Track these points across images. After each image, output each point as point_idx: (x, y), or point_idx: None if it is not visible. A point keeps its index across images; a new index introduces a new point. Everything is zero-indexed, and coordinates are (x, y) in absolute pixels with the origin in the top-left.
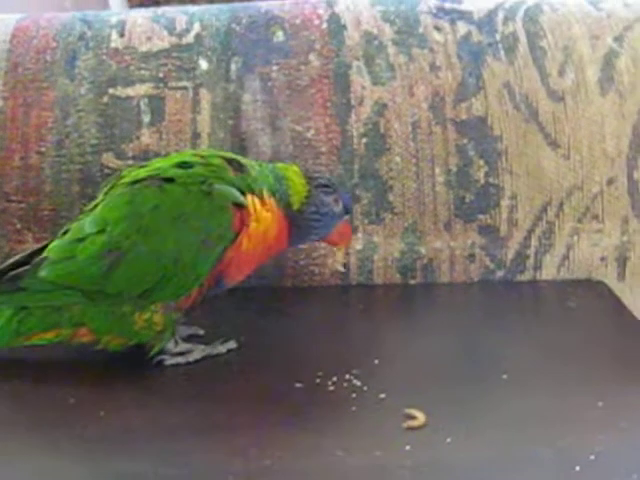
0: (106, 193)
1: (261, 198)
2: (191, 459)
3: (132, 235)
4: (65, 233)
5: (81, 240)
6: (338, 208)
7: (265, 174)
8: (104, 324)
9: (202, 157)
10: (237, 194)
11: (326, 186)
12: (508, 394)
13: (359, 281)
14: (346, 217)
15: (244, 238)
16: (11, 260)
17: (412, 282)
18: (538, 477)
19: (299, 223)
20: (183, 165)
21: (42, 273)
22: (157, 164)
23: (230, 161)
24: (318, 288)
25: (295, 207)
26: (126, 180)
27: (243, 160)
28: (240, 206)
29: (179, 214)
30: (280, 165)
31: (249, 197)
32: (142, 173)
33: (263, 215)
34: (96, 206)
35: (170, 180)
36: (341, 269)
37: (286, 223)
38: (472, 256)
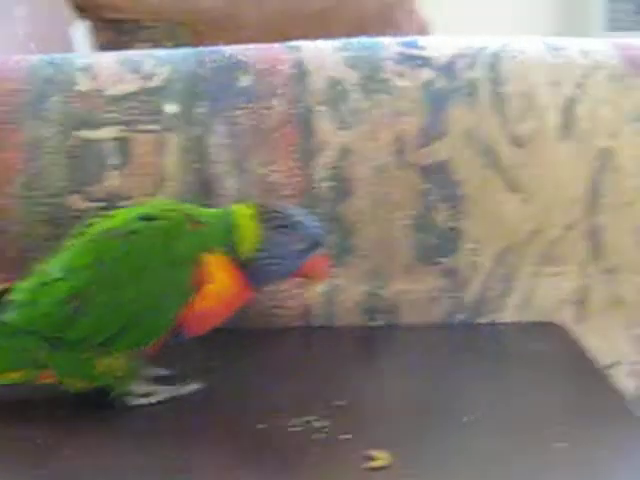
0: (75, 238)
1: (214, 256)
2: None
3: (94, 284)
4: (31, 275)
5: (45, 284)
6: (301, 245)
7: (217, 226)
8: (66, 367)
9: (162, 210)
10: (195, 252)
11: (283, 226)
12: (469, 435)
13: (321, 323)
14: (317, 251)
15: (198, 298)
16: None
17: (374, 324)
18: None
19: (254, 271)
20: (146, 217)
21: (5, 317)
22: (123, 215)
23: (188, 215)
24: (281, 330)
25: (245, 257)
26: (93, 229)
27: (199, 214)
28: (198, 264)
29: (141, 267)
30: (235, 209)
31: (206, 256)
32: (108, 224)
33: (218, 276)
34: (62, 250)
35: (134, 233)
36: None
37: (241, 275)
38: (434, 299)
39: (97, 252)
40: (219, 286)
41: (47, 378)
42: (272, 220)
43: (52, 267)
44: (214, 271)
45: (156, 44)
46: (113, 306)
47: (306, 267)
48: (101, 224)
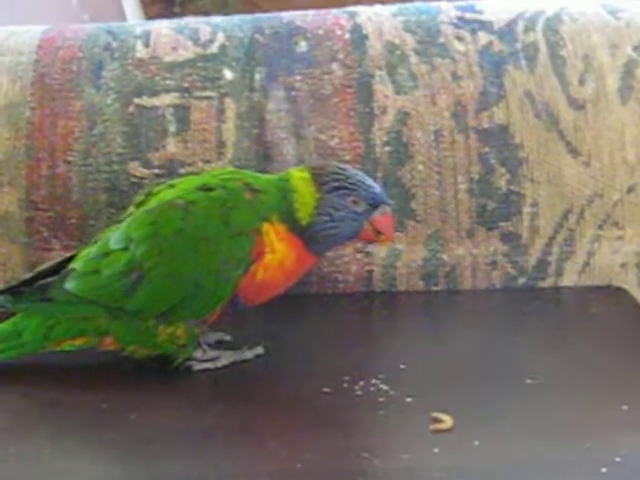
0: (137, 206)
1: (273, 225)
2: (223, 461)
3: (154, 256)
4: (95, 243)
5: (106, 255)
6: (360, 207)
7: (273, 194)
8: (128, 335)
9: (221, 179)
10: (254, 222)
11: (340, 188)
12: (533, 398)
13: (382, 288)
14: (378, 211)
15: (259, 268)
16: (40, 268)
17: (435, 289)
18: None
19: (314, 236)
20: (205, 188)
21: (68, 285)
22: (183, 185)
23: (246, 184)
24: (342, 295)
25: (304, 222)
26: (154, 199)
27: (257, 182)
28: (258, 234)
29: (200, 238)
30: (292, 173)
31: (265, 225)
32: (168, 194)
33: (277, 246)
34: (124, 220)
35: (192, 203)
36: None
37: (301, 243)
38: (494, 263)
39: (156, 224)
40: (279, 255)
41: (109, 345)
42: (329, 183)
43: (113, 237)
44: (273, 240)
45: (207, 15)
46: (173, 277)
47: (370, 228)
48: (162, 194)
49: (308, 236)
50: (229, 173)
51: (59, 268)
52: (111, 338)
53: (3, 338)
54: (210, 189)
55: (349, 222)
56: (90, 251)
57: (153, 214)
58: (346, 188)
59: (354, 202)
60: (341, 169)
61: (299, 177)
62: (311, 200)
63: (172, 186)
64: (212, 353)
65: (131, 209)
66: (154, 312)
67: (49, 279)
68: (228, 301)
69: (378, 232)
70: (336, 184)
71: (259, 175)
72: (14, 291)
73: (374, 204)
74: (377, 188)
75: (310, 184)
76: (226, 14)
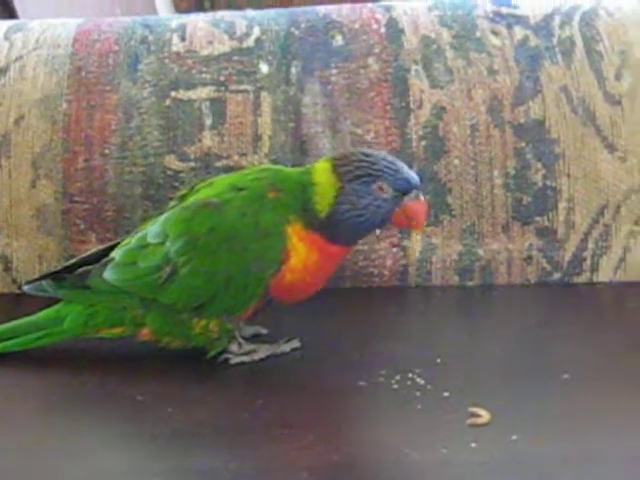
0: (180, 200)
1: (291, 225)
2: (260, 454)
3: (187, 253)
4: (136, 234)
5: (143, 247)
6: (387, 193)
7: (292, 191)
8: (163, 327)
9: (251, 179)
10: (280, 224)
11: (363, 175)
12: (570, 392)
13: (417, 282)
14: (409, 197)
15: (287, 271)
16: (83, 255)
17: (470, 284)
18: (607, 474)
19: (335, 227)
20: (236, 188)
21: (106, 275)
22: (219, 183)
23: (271, 183)
24: (377, 289)
25: (322, 215)
26: (192, 196)
27: (282, 180)
28: (284, 236)
29: (232, 237)
30: (316, 165)
31: (288, 229)
32: (204, 193)
33: (298, 248)
34: (164, 214)
35: (225, 203)
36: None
37: (321, 238)
38: (529, 258)
39: (190, 221)
40: (301, 257)
41: (145, 336)
42: (351, 171)
43: (151, 230)
44: (295, 243)
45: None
46: (204, 274)
47: (400, 214)
48: (200, 192)
49: (329, 229)
50: (258, 172)
51: (101, 256)
52: (147, 329)
53: (46, 324)
54: (240, 189)
55: (374, 209)
56: (130, 241)
57: (188, 212)
58: (369, 175)
59: (380, 188)
60: (366, 155)
61: (321, 169)
62: (331, 191)
63: (211, 184)
64: (248, 347)
65: (174, 202)
66: (186, 307)
67: (89, 267)
68: (261, 299)
69: (409, 218)
70: (358, 172)
71: (286, 170)
72: (57, 277)
73: (403, 190)
74: (407, 173)
75: (331, 174)
76: (256, 8)
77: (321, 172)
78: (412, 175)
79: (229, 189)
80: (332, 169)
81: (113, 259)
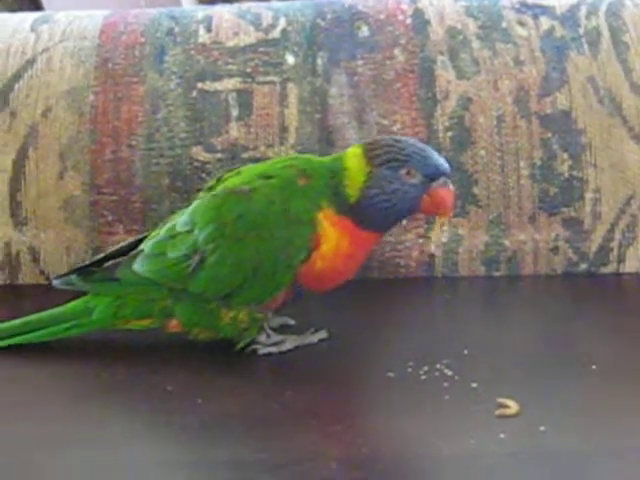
0: (207, 191)
1: (323, 211)
2: (289, 445)
3: (216, 240)
4: (164, 225)
5: (172, 237)
6: (415, 179)
7: (323, 177)
8: (192, 318)
9: (280, 167)
10: (310, 211)
11: (392, 160)
12: (599, 384)
13: (444, 273)
14: (437, 183)
15: (317, 258)
16: (111, 249)
17: (496, 274)
18: (635, 469)
19: (365, 212)
20: (265, 176)
21: (135, 266)
22: (247, 172)
23: (301, 170)
24: (404, 279)
25: (352, 200)
26: (221, 185)
27: (312, 167)
28: (315, 223)
29: (260, 224)
30: (347, 151)
31: (319, 215)
32: (233, 182)
33: (330, 234)
34: (192, 204)
35: (253, 191)
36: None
37: (352, 223)
38: (556, 249)
39: (219, 209)
40: (333, 243)
41: (174, 327)
42: (380, 156)
43: (180, 220)
44: (326, 228)
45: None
46: (233, 262)
47: (428, 200)
48: (229, 181)
49: (359, 213)
50: (287, 160)
51: (128, 250)
52: (176, 320)
53: (75, 315)
54: (269, 177)
55: (402, 195)
56: (159, 233)
57: (216, 200)
58: (397, 160)
59: (408, 174)
60: (396, 141)
61: (352, 154)
62: (361, 175)
63: (239, 173)
64: (276, 337)
65: (202, 193)
66: (215, 295)
67: (119, 259)
68: (290, 288)
69: (436, 205)
70: (387, 156)
71: (316, 158)
72: (85, 271)
73: (431, 175)
74: (436, 160)
75: (362, 160)
76: None
77: (352, 157)
78: (442, 162)
79: (258, 177)
80: (363, 154)
81: (142, 251)
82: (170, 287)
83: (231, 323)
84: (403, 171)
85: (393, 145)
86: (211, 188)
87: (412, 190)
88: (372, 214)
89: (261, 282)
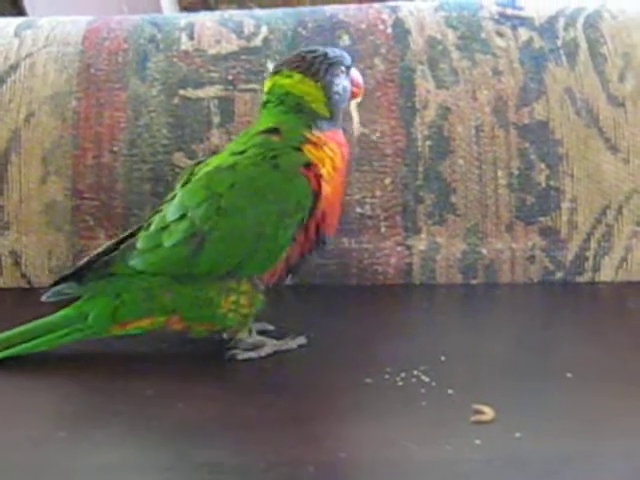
0: (182, 187)
1: (308, 139)
2: (268, 450)
3: (212, 217)
4: (149, 225)
5: (165, 228)
6: (344, 72)
7: (290, 118)
8: (192, 310)
9: (244, 143)
10: (299, 155)
11: (328, 67)
12: (574, 391)
13: (422, 280)
14: (350, 70)
15: (324, 186)
16: (96, 251)
17: (473, 282)
18: (609, 473)
19: (336, 115)
20: (239, 152)
21: (132, 263)
22: (220, 157)
23: (266, 132)
24: (382, 287)
25: (328, 114)
26: (199, 172)
27: (273, 124)
28: (308, 165)
29: (255, 190)
30: (283, 84)
31: (305, 148)
32: (212, 164)
33: (322, 156)
34: (174, 197)
35: (237, 164)
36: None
37: (333, 129)
38: (532, 257)
39: (209, 186)
40: (329, 156)
41: (175, 324)
42: (319, 70)
43: (168, 212)
44: (317, 154)
45: (241, 6)
46: (234, 234)
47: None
48: (203, 170)
49: (332, 119)
50: (249, 136)
51: (111, 251)
52: (177, 316)
53: (68, 322)
54: (243, 151)
55: (348, 88)
56: (148, 230)
57: (202, 180)
58: (331, 65)
59: (342, 72)
60: (312, 51)
61: (293, 84)
62: (317, 93)
63: (208, 164)
64: (257, 339)
65: (177, 190)
66: (220, 272)
67: (106, 257)
68: (291, 252)
69: (357, 86)
70: (323, 66)
71: (264, 117)
72: (76, 277)
73: (349, 66)
74: (343, 52)
75: (306, 81)
76: (261, 7)
77: (297, 85)
78: (344, 52)
79: (232, 155)
80: (304, 76)
81: (134, 246)
82: (172, 275)
83: (233, 309)
84: (338, 71)
85: (318, 56)
86: (186, 183)
87: (348, 82)
88: (337, 113)
89: (265, 248)
